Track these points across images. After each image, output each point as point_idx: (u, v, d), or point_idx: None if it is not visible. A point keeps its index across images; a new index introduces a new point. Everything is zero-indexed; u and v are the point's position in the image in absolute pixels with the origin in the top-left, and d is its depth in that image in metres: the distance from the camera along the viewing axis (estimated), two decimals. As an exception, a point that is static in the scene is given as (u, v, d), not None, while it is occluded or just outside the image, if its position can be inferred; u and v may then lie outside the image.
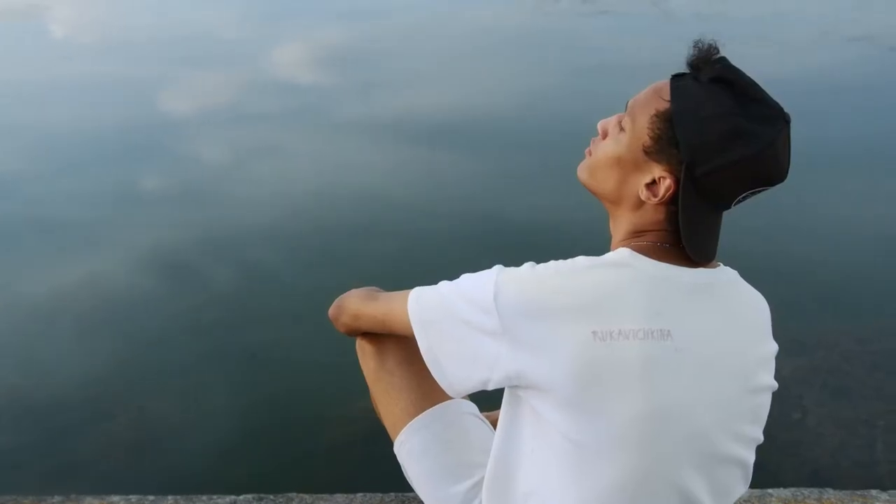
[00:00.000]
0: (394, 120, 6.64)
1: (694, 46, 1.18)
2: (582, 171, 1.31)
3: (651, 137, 1.18)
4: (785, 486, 1.93)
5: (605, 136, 1.27)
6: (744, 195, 1.17)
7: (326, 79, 8.11)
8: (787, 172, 1.17)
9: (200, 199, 5.23)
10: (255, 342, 3.65)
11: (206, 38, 9.63)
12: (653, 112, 1.18)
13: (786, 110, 1.16)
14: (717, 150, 1.12)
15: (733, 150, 1.12)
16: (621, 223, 1.26)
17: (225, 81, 7.94)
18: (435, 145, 6.12)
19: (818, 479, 2.77)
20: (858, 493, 1.85)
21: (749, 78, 1.15)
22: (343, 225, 4.75)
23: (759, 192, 1.18)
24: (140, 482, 2.79)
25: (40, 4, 11.57)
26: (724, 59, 1.17)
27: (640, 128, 1.19)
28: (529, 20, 10.21)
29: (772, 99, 1.15)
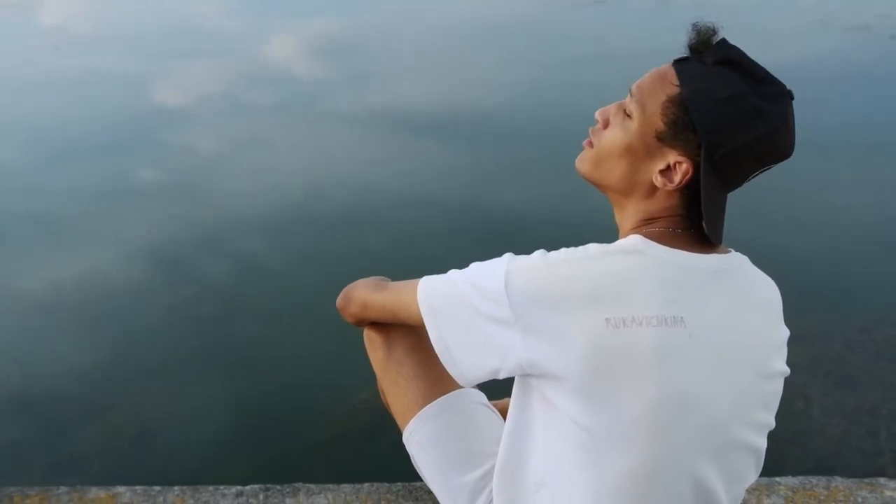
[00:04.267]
0: (385, 111, 6.63)
1: (693, 29, 1.18)
2: (584, 163, 1.29)
3: (665, 123, 1.17)
4: (790, 475, 1.92)
5: (606, 125, 1.26)
6: (755, 174, 1.18)
7: (317, 70, 8.09)
8: (794, 148, 1.18)
9: (193, 191, 5.21)
10: (250, 335, 3.65)
11: (196, 30, 9.61)
12: (664, 98, 1.17)
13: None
14: (736, 131, 1.12)
15: (751, 129, 1.12)
16: (630, 213, 1.25)
17: (215, 73, 7.92)
18: (427, 136, 6.11)
19: (823, 468, 2.77)
20: (866, 480, 1.85)
21: (751, 58, 1.16)
22: (336, 216, 4.74)
23: (767, 169, 1.19)
24: (143, 474, 2.79)
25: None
26: (725, 41, 1.17)
27: (652, 114, 1.18)
28: (525, 9, 10.19)
29: (775, 77, 1.16)
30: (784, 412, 3.08)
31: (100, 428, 3.10)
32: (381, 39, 8.96)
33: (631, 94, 1.22)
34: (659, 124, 1.17)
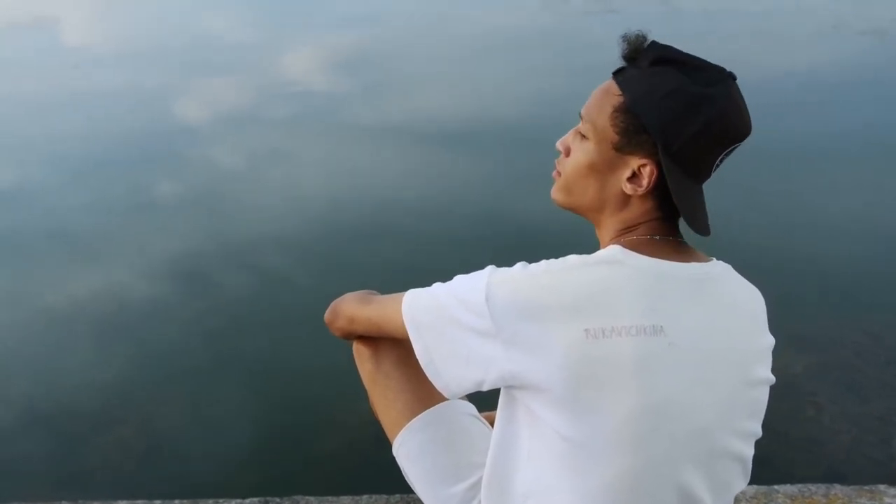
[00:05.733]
0: (403, 123, 6.66)
1: (623, 40, 1.22)
2: (558, 193, 1.33)
3: (618, 133, 1.20)
4: (788, 483, 1.91)
5: (567, 153, 1.30)
6: (720, 159, 1.20)
7: (335, 83, 8.14)
8: (751, 125, 1.20)
9: (211, 205, 5.26)
10: (265, 348, 3.67)
11: (213, 46, 9.70)
12: (610, 109, 1.21)
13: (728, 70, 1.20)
14: (685, 121, 1.15)
15: (699, 115, 1.15)
16: (609, 226, 1.27)
17: (233, 88, 7.99)
18: (445, 148, 6.12)
19: (833, 477, 2.75)
20: (866, 488, 1.84)
21: (684, 52, 1.19)
22: (354, 229, 4.76)
23: (732, 152, 1.20)
24: (151, 487, 2.80)
25: (48, 15, 11.66)
26: (655, 43, 1.21)
27: (603, 128, 1.22)
28: (538, 20, 10.21)
29: (711, 63, 1.19)
30: (793, 419, 3.07)
31: (112, 442, 3.12)
32: (399, 51, 9.01)
33: (581, 116, 1.27)
34: (613, 136, 1.21)
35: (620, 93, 1.20)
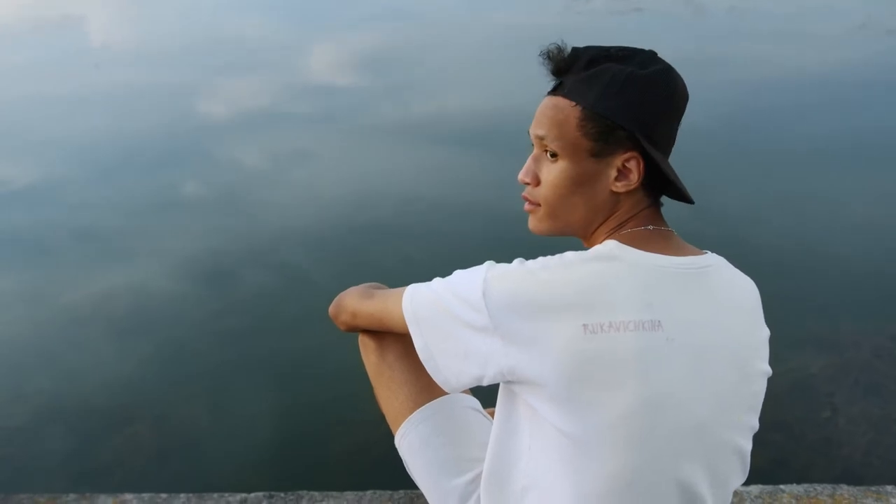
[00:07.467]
0: (426, 122, 6.68)
1: (545, 58, 1.24)
2: (542, 223, 1.31)
3: (591, 139, 1.20)
4: (794, 483, 1.90)
5: (537, 181, 1.28)
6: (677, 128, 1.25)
7: (358, 82, 8.16)
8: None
9: (233, 203, 5.30)
10: (282, 346, 3.69)
11: (237, 45, 9.75)
12: (574, 121, 1.21)
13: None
14: (650, 103, 1.18)
15: (658, 94, 1.19)
16: (602, 232, 1.27)
17: (258, 86, 8.04)
18: (468, 147, 6.12)
19: (849, 478, 2.72)
20: (872, 489, 1.82)
21: (606, 46, 1.22)
22: (376, 228, 4.78)
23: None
24: (162, 483, 2.84)
25: (74, 14, 11.79)
26: (576, 49, 1.23)
27: (574, 141, 1.22)
28: (561, 20, 10.17)
29: (635, 48, 1.23)
30: (810, 421, 3.05)
31: (129, 437, 3.16)
32: (421, 51, 9.02)
33: (540, 138, 1.25)
34: (587, 144, 1.21)
35: (574, 103, 1.20)
